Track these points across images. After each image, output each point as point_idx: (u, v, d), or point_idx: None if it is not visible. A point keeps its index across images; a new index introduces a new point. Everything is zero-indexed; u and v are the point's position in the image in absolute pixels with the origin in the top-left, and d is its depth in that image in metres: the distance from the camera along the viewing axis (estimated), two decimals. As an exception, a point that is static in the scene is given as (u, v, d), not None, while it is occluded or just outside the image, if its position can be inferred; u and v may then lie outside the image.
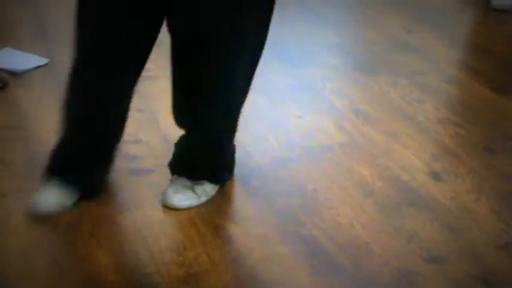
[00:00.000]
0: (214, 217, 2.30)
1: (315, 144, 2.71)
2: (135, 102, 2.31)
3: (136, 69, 2.22)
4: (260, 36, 2.20)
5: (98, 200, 2.33)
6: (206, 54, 2.12)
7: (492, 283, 2.09)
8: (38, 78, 3.11)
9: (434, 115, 3.01)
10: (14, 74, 3.11)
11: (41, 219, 2.23)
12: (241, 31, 2.11)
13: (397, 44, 3.71)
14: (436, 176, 2.58)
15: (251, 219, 2.29)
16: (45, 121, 2.77)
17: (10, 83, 3.04)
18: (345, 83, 3.28)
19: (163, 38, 2.16)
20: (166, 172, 2.46)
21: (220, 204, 2.35)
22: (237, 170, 2.50)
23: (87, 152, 2.30)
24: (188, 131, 2.35)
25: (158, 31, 2.16)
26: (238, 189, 2.46)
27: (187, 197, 2.33)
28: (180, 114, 2.32)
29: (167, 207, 2.31)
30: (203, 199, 2.35)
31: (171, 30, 2.15)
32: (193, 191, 2.34)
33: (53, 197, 2.26)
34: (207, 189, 2.36)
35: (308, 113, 2.95)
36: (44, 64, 3.22)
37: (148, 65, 2.22)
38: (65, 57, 3.29)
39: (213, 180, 2.38)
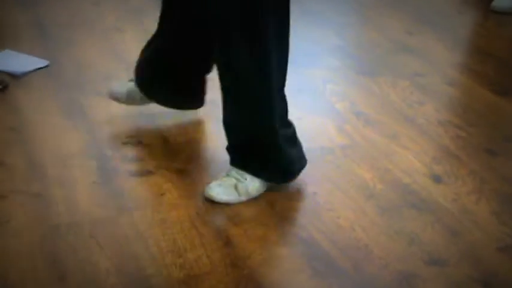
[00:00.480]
0: (215, 219, 2.30)
1: (315, 146, 2.70)
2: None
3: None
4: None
5: (97, 201, 2.33)
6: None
7: (493, 285, 2.09)
8: (38, 80, 3.10)
9: (435, 117, 3.00)
10: (14, 76, 3.11)
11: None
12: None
13: (398, 45, 3.71)
14: (437, 179, 2.57)
15: (252, 221, 2.29)
16: (45, 123, 2.76)
17: (10, 85, 3.03)
18: (345, 85, 3.28)
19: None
20: (167, 174, 2.46)
21: (221, 206, 2.35)
22: (238, 172, 2.50)
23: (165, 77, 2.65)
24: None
25: None
26: (238, 191, 2.45)
27: (228, 192, 2.34)
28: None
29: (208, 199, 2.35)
30: (243, 198, 2.36)
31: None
32: (236, 188, 2.35)
33: (125, 88, 2.73)
34: (250, 189, 2.36)
35: (308, 114, 2.95)
36: (44, 66, 3.21)
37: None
38: (65, 60, 3.30)
39: (256, 171, 2.37)
